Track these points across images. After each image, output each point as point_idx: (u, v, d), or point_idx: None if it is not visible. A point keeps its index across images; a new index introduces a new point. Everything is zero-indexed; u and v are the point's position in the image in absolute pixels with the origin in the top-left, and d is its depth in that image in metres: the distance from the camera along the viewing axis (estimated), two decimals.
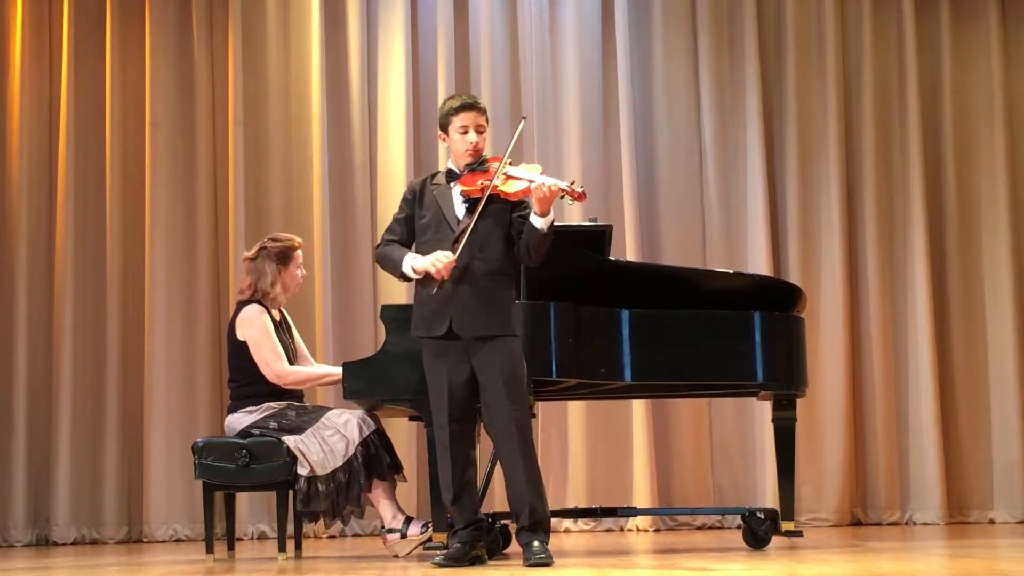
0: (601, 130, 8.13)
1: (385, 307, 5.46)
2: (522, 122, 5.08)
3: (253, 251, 5.93)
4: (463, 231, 4.85)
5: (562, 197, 4.78)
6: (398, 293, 7.82)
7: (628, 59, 8.09)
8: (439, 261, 4.81)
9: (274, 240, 5.95)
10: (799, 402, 5.79)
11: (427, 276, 4.87)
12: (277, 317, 5.89)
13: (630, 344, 5.46)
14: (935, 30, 8.31)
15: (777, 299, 5.81)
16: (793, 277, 7.84)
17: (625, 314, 5.47)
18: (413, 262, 4.89)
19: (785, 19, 8.24)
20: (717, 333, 5.62)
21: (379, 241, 5.11)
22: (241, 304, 5.87)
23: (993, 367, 8.09)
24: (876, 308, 8.05)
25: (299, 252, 5.96)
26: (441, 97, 8.00)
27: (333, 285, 7.87)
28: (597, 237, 5.67)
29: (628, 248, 7.82)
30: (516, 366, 4.87)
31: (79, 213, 7.90)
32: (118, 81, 8.00)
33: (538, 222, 4.82)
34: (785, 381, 5.71)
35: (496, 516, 5.49)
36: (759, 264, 7.88)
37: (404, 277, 4.96)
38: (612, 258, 5.78)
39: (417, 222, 5.00)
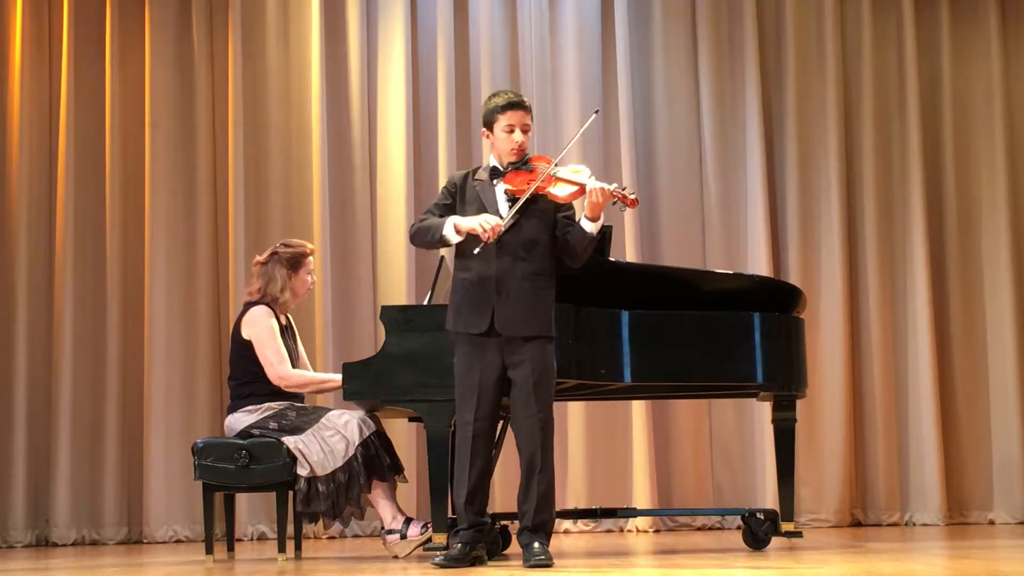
0: (601, 130, 8.13)
1: (385, 308, 5.45)
2: (593, 115, 5.15)
3: (265, 255, 5.92)
4: (507, 217, 4.84)
5: (613, 203, 4.79)
6: (398, 294, 7.82)
7: (628, 59, 8.09)
8: (487, 222, 4.79)
9: (286, 246, 5.94)
10: (799, 403, 5.79)
11: (468, 239, 4.83)
12: (283, 322, 5.89)
13: (630, 345, 5.46)
14: (935, 30, 8.31)
15: (777, 300, 5.81)
16: (793, 278, 7.84)
17: (625, 315, 5.47)
18: (457, 221, 4.86)
19: (785, 19, 8.24)
20: (717, 334, 5.62)
21: (413, 222, 5.07)
22: (249, 304, 5.87)
23: (993, 367, 8.09)
24: (876, 308, 8.05)
25: (310, 259, 5.96)
26: (442, 98, 8.01)
27: (333, 286, 7.87)
28: (597, 238, 5.65)
29: (628, 248, 7.82)
30: (548, 368, 4.89)
31: (79, 213, 7.90)
32: (118, 81, 8.00)
33: (589, 226, 4.85)
34: (785, 382, 5.71)
35: (496, 516, 5.48)
36: (759, 264, 7.88)
37: (443, 241, 4.90)
38: (612, 259, 5.77)
39: (459, 215, 4.99)
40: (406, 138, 8.00)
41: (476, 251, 4.80)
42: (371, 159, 8.06)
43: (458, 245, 4.92)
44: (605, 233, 5.70)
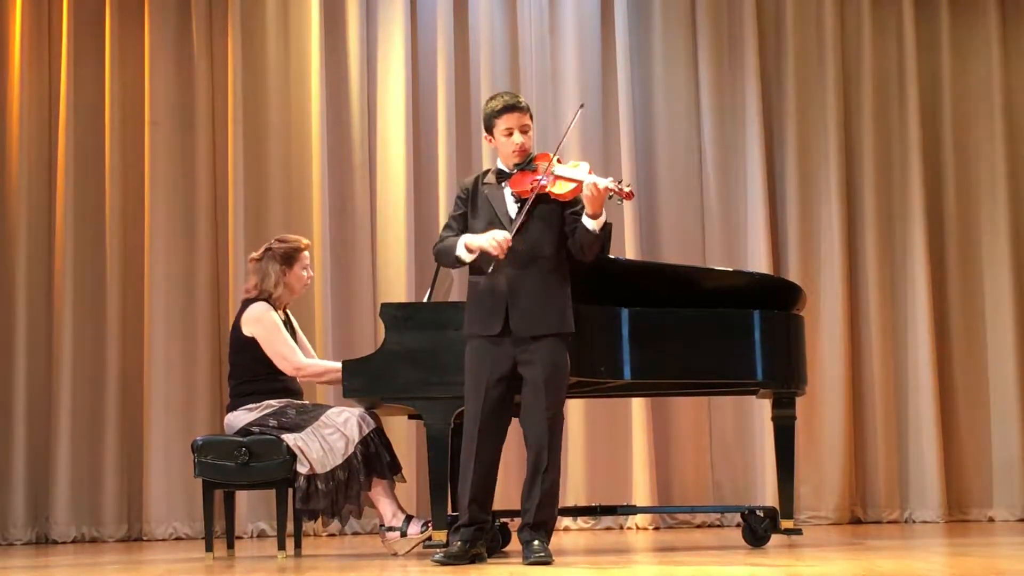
0: (601, 130, 8.13)
1: (385, 305, 5.45)
2: (579, 109, 5.18)
3: (259, 252, 5.94)
4: (513, 224, 4.87)
5: (610, 197, 4.80)
6: (398, 292, 7.83)
7: (628, 60, 8.09)
8: (495, 239, 4.81)
9: (280, 241, 5.96)
10: (799, 401, 5.80)
11: (481, 257, 4.86)
12: (282, 317, 5.89)
13: (630, 343, 5.45)
14: (935, 29, 8.31)
15: (777, 297, 5.81)
16: (793, 275, 7.84)
17: (625, 312, 5.47)
18: (467, 241, 4.89)
19: (785, 19, 8.24)
20: (717, 331, 5.62)
21: (436, 242, 5.09)
22: (247, 302, 5.87)
23: (993, 366, 8.09)
24: (876, 308, 8.05)
25: (306, 253, 5.97)
26: (441, 97, 8.02)
27: (333, 284, 7.87)
28: (601, 235, 5.65)
29: (628, 247, 7.82)
30: (560, 366, 4.89)
31: (79, 213, 7.90)
32: (118, 80, 8.00)
33: (590, 223, 4.84)
34: (785, 379, 5.71)
35: (495, 514, 5.48)
36: (759, 264, 7.88)
37: (459, 261, 4.94)
38: (611, 256, 5.77)
39: (470, 221, 5.00)
40: (406, 137, 8.00)
41: (490, 269, 4.82)
42: (371, 158, 8.06)
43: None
44: (605, 230, 5.72)
